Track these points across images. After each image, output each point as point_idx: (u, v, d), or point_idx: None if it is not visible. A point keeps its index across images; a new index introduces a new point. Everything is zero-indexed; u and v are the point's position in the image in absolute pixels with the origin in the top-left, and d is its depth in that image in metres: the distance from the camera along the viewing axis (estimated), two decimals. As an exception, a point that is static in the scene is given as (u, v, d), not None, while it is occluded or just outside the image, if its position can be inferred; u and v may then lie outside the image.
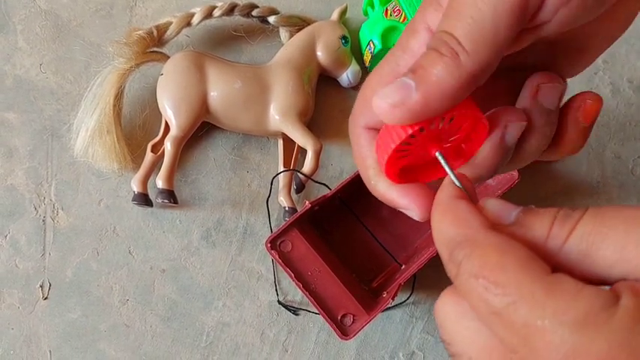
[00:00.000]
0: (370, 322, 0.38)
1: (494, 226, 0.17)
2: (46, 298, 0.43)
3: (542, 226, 0.16)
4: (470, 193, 0.19)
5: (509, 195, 0.42)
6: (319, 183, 0.44)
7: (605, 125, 0.47)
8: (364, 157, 0.22)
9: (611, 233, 0.15)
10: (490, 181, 0.41)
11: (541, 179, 0.46)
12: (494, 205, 0.18)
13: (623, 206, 0.15)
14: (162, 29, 0.44)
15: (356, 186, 0.42)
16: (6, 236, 0.44)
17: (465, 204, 0.18)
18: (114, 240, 0.44)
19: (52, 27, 0.47)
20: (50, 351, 0.43)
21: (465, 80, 0.17)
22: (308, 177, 0.43)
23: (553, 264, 0.16)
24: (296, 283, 0.39)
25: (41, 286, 0.44)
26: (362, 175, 0.22)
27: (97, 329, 0.43)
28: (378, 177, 0.22)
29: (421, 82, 0.17)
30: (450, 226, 0.18)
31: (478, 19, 0.17)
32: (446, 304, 0.19)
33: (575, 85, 0.47)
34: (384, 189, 0.21)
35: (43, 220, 0.44)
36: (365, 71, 0.47)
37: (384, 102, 0.18)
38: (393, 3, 0.44)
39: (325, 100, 0.47)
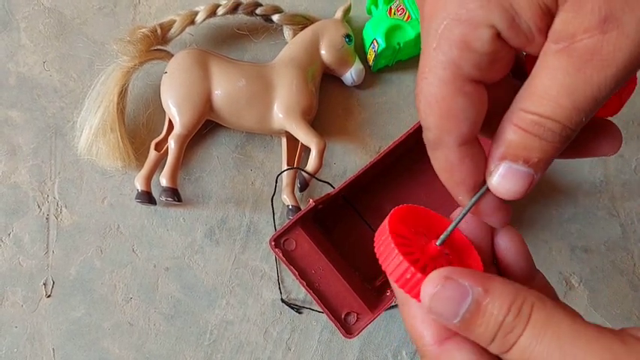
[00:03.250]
0: (374, 321, 0.38)
1: (445, 333, 0.20)
2: (49, 296, 0.44)
3: (487, 337, 0.18)
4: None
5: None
6: (323, 181, 0.44)
7: (609, 124, 0.47)
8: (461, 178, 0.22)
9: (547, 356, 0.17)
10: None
11: (544, 178, 0.46)
12: (442, 305, 0.19)
13: (562, 322, 0.17)
14: (166, 27, 0.44)
15: (360, 184, 0.42)
16: (9, 234, 0.44)
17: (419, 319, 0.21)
18: (117, 238, 0.44)
19: (55, 25, 0.47)
20: (54, 349, 0.43)
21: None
22: (312, 175, 0.43)
23: None
24: (299, 282, 0.39)
25: (44, 284, 0.44)
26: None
27: (101, 327, 0.43)
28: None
29: (539, 170, 0.19)
30: (411, 332, 0.21)
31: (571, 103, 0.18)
32: None
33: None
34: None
35: (47, 218, 0.44)
36: (368, 70, 0.47)
37: (515, 195, 0.20)
38: (397, 2, 0.44)
39: (329, 99, 0.47)
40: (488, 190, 0.20)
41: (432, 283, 0.19)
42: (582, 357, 0.16)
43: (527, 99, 0.19)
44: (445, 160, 0.21)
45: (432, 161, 0.21)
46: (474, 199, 0.21)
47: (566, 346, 0.17)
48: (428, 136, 0.21)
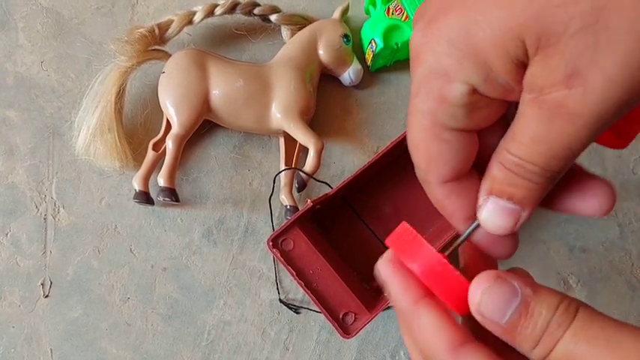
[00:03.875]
0: (371, 321, 0.38)
1: (459, 340, 0.19)
2: (47, 297, 0.43)
3: (532, 338, 0.18)
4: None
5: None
6: (321, 182, 0.44)
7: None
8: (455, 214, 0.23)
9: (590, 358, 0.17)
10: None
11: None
12: (491, 304, 0.19)
13: (606, 322, 0.18)
14: (163, 27, 0.43)
15: (358, 184, 0.42)
16: (7, 234, 0.44)
17: (432, 318, 0.21)
18: (115, 238, 0.44)
19: (53, 24, 0.47)
20: (51, 349, 0.43)
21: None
22: (310, 175, 0.43)
23: None
24: (297, 282, 0.39)
25: (42, 285, 0.44)
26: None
27: (98, 328, 0.43)
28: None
29: (526, 207, 0.20)
30: (416, 344, 0.21)
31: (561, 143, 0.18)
32: None
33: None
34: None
35: (44, 218, 0.44)
36: (366, 70, 0.47)
37: (502, 231, 0.20)
38: (395, 2, 0.44)
39: (327, 99, 0.47)
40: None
41: (483, 282, 0.19)
42: (631, 356, 0.17)
43: (510, 141, 0.19)
44: (432, 195, 0.22)
45: (429, 195, 0.23)
46: (466, 233, 0.22)
47: (614, 345, 0.17)
48: (417, 173, 0.22)
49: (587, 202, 0.22)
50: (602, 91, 0.17)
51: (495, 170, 0.20)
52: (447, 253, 0.21)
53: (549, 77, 0.17)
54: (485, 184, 0.20)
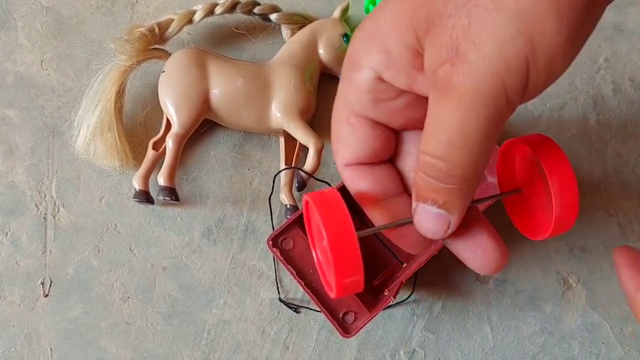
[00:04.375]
0: (371, 320, 0.38)
1: None
2: (46, 296, 0.43)
3: None
4: None
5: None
6: (321, 181, 0.44)
7: (607, 124, 0.47)
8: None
9: None
10: (492, 180, 0.41)
11: (542, 178, 0.46)
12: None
13: None
14: (163, 26, 0.43)
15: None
16: (7, 233, 0.44)
17: None
18: (115, 237, 0.44)
19: (53, 24, 0.47)
20: (51, 348, 0.43)
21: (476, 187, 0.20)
22: (310, 175, 0.43)
23: None
24: (297, 281, 0.39)
25: (42, 284, 0.44)
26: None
27: (98, 327, 0.43)
28: None
29: (453, 213, 0.20)
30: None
31: (464, 144, 0.18)
32: None
33: (577, 84, 0.47)
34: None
35: (44, 218, 0.44)
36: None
37: (435, 236, 0.21)
38: (395, 1, 0.44)
39: (327, 98, 0.47)
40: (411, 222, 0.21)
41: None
42: None
43: (421, 140, 0.19)
44: (341, 176, 0.23)
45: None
46: (392, 224, 0.22)
47: None
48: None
49: (475, 258, 0.22)
50: (481, 66, 0.17)
51: (416, 177, 0.20)
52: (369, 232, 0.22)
53: (437, 57, 0.18)
54: (413, 191, 0.21)
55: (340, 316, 0.39)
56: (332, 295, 0.21)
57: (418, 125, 0.21)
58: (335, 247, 0.19)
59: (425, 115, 0.20)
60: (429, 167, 0.19)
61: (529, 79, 0.17)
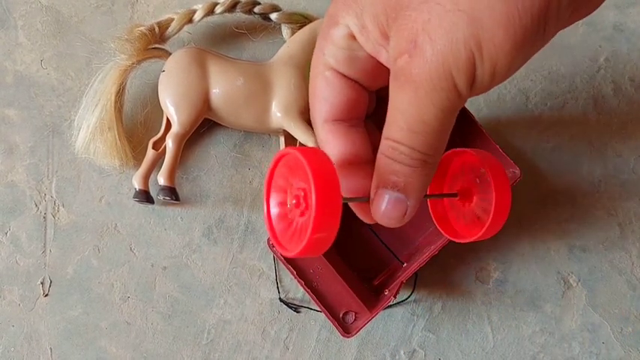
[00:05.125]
0: (372, 320, 0.38)
1: None
2: (46, 295, 0.43)
3: None
4: None
5: (512, 193, 0.42)
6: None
7: (607, 124, 0.47)
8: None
9: None
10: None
11: (542, 177, 0.46)
12: None
13: None
14: (163, 26, 0.43)
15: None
16: (6, 233, 0.44)
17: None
18: (115, 237, 0.44)
19: (53, 23, 0.47)
20: (51, 348, 0.43)
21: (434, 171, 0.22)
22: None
23: None
24: (298, 281, 0.39)
25: (42, 283, 0.44)
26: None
27: (98, 326, 0.43)
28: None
29: (411, 197, 0.21)
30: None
31: (426, 129, 0.20)
32: None
33: (577, 84, 0.47)
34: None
35: (44, 217, 0.44)
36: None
37: (393, 221, 0.22)
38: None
39: (327, 98, 0.47)
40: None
41: None
42: None
43: (385, 127, 0.21)
44: (316, 134, 0.24)
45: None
46: (356, 200, 0.23)
47: None
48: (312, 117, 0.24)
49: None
50: (434, 60, 0.18)
51: (378, 162, 0.21)
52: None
53: (398, 47, 0.19)
54: (374, 179, 0.22)
55: (340, 315, 0.39)
56: (289, 253, 0.21)
57: (368, 81, 0.23)
58: (320, 203, 0.19)
59: (375, 77, 0.22)
60: (391, 151, 0.20)
61: (475, 78, 0.19)
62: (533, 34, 0.18)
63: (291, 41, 0.45)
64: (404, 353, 0.43)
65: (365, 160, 0.24)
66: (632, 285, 0.45)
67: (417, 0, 0.18)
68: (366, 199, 0.23)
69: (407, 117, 0.19)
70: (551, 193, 0.46)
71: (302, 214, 0.21)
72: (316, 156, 0.20)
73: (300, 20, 0.46)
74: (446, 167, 0.26)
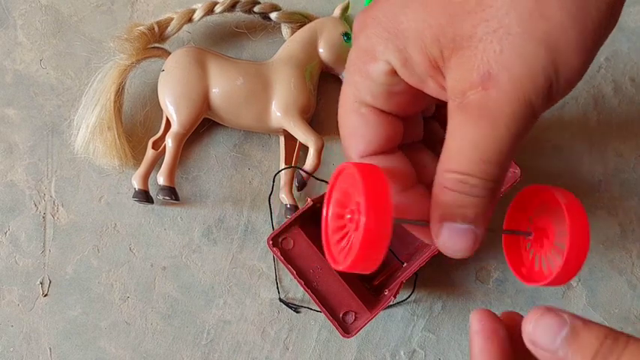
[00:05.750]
0: (372, 320, 0.38)
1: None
2: (46, 295, 0.43)
3: None
4: None
5: (512, 193, 0.42)
6: (321, 180, 0.44)
7: (607, 123, 0.47)
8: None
9: None
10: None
11: (542, 177, 0.46)
12: (541, 332, 0.19)
13: None
14: (163, 25, 0.43)
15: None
16: (6, 233, 0.44)
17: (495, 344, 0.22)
18: (114, 237, 0.44)
19: (52, 22, 0.47)
20: (50, 348, 0.43)
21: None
22: (310, 174, 0.43)
23: None
24: (297, 281, 0.38)
25: (41, 283, 0.43)
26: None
27: (98, 326, 0.43)
28: None
29: (479, 225, 0.21)
30: None
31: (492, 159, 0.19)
32: None
33: (578, 83, 0.47)
34: None
35: (43, 217, 0.44)
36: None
37: (463, 253, 0.21)
38: (396, 0, 0.44)
39: (327, 98, 0.47)
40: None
41: (534, 313, 0.20)
42: None
43: (446, 159, 0.20)
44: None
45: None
46: (414, 223, 0.23)
47: None
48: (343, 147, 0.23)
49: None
50: (513, 90, 0.18)
51: (441, 196, 0.20)
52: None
53: (467, 79, 0.19)
54: (435, 213, 0.21)
55: (340, 316, 0.39)
56: (339, 266, 0.21)
57: (418, 113, 0.23)
58: (370, 220, 0.19)
59: (424, 104, 0.21)
60: (460, 185, 0.20)
61: (551, 98, 0.19)
62: (596, 46, 0.19)
63: (291, 41, 0.45)
64: (404, 353, 0.43)
65: (411, 183, 0.23)
66: (632, 285, 0.44)
67: (481, 30, 0.18)
68: (419, 223, 0.22)
69: (482, 149, 0.19)
70: (552, 193, 0.46)
71: (356, 228, 0.21)
72: (372, 173, 0.20)
73: (300, 19, 0.46)
74: (526, 203, 0.25)
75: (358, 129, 0.22)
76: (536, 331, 0.19)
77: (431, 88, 0.21)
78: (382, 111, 0.22)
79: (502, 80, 0.18)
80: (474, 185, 0.19)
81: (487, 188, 0.20)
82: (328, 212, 0.23)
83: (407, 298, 0.43)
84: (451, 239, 0.21)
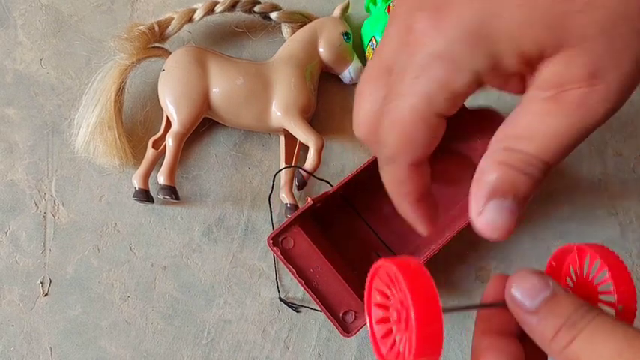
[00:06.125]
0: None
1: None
2: (46, 295, 0.43)
3: (553, 325, 0.20)
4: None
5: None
6: (321, 180, 0.44)
7: (607, 123, 0.46)
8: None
9: (603, 352, 0.19)
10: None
11: (543, 177, 0.46)
12: (524, 291, 0.21)
13: (617, 326, 0.19)
14: (163, 25, 0.43)
15: (358, 183, 0.42)
16: (6, 232, 0.44)
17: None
18: (115, 236, 0.44)
19: (52, 22, 0.47)
20: (51, 348, 0.43)
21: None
22: (310, 174, 0.43)
23: None
24: (298, 280, 0.38)
25: (42, 283, 0.43)
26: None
27: (98, 326, 0.43)
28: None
29: (523, 206, 0.21)
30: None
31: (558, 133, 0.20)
32: None
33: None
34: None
35: (44, 216, 0.44)
36: (367, 68, 0.47)
37: (503, 233, 0.21)
38: (396, -1, 0.44)
39: (327, 97, 0.47)
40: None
41: (522, 272, 0.21)
42: None
43: (513, 140, 0.20)
44: (394, 175, 0.22)
45: (382, 173, 0.23)
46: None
47: (625, 348, 0.18)
48: (382, 152, 0.22)
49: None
50: (620, 89, 0.19)
51: (495, 172, 0.20)
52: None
53: (572, 76, 0.19)
54: (483, 189, 0.21)
55: (340, 315, 0.39)
56: None
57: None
58: (420, 325, 0.18)
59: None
60: (522, 164, 0.20)
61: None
62: None
63: (291, 40, 0.45)
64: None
65: (428, 189, 0.23)
66: (632, 284, 0.45)
67: (592, 30, 0.18)
68: (466, 308, 0.22)
69: (563, 138, 0.20)
70: (552, 192, 0.46)
71: (405, 329, 0.20)
72: (414, 269, 0.19)
73: (300, 19, 0.46)
74: (561, 260, 0.25)
75: (423, 139, 0.21)
76: (518, 289, 0.21)
77: (511, 85, 0.21)
78: (445, 117, 0.21)
79: (611, 78, 0.19)
80: (537, 167, 0.20)
81: (545, 173, 0.20)
82: (372, 319, 0.22)
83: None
84: (497, 217, 0.21)
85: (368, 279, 0.22)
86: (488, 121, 0.24)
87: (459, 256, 0.44)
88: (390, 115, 0.21)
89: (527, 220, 0.45)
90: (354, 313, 0.38)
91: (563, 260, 0.25)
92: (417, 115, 0.21)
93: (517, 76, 0.20)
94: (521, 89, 0.21)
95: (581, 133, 0.20)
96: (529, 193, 0.21)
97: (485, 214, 0.21)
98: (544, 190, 0.46)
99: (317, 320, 0.43)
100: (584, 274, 0.24)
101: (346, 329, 0.38)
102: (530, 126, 0.20)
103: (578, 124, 0.20)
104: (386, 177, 0.23)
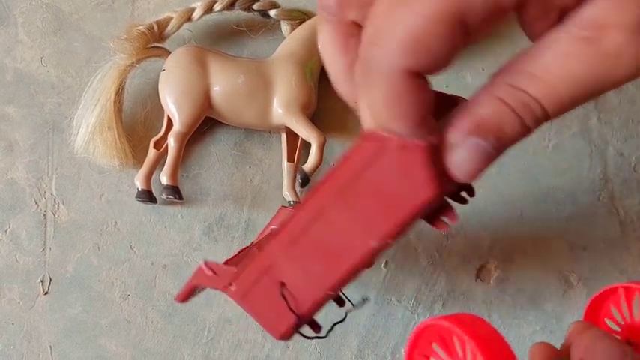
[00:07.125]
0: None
1: None
2: (46, 293, 0.43)
3: None
4: None
5: (512, 192, 0.42)
6: (321, 179, 0.44)
7: (608, 122, 0.46)
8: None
9: None
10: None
11: (542, 175, 0.46)
12: None
13: None
14: (162, 24, 0.43)
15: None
16: (6, 231, 0.44)
17: None
18: (115, 235, 0.44)
19: (53, 20, 0.47)
20: (51, 346, 0.43)
21: None
22: (312, 172, 0.43)
23: None
24: (298, 279, 0.38)
25: (42, 281, 0.43)
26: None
27: (98, 324, 0.43)
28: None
29: (500, 152, 0.19)
30: None
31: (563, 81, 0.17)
32: None
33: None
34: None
35: (44, 215, 0.44)
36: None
37: (474, 175, 0.19)
38: (397, -2, 0.44)
39: (327, 95, 0.46)
40: None
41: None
42: None
43: (520, 76, 0.18)
44: (391, 88, 0.18)
45: (368, 90, 0.18)
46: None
47: None
48: (377, 55, 0.17)
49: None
50: None
51: (488, 107, 0.18)
52: None
53: (618, 18, 0.17)
54: (466, 122, 0.18)
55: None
56: None
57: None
58: None
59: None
60: (519, 104, 0.18)
61: None
62: None
63: (290, 38, 0.45)
64: (404, 352, 0.43)
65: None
66: (632, 284, 0.45)
67: None
68: None
69: (579, 87, 0.17)
70: (553, 192, 0.46)
71: None
72: (480, 327, 0.17)
73: (299, 17, 0.46)
74: (600, 303, 0.24)
75: (435, 42, 0.17)
76: None
77: (542, 22, 0.18)
78: (469, 37, 0.18)
79: None
80: (533, 112, 0.18)
81: (539, 120, 0.18)
82: None
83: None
84: (471, 156, 0.18)
85: (408, 344, 0.19)
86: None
87: (459, 255, 0.44)
88: (400, 10, 0.17)
89: (527, 220, 0.45)
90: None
91: (603, 301, 0.23)
92: (441, 16, 0.17)
93: (558, 10, 0.18)
94: (545, 24, 0.18)
95: (597, 87, 0.17)
96: (513, 140, 0.19)
97: (459, 150, 0.19)
98: (545, 188, 0.46)
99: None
100: (634, 314, 0.21)
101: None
102: (547, 66, 0.18)
103: (603, 76, 0.17)
104: (376, 94, 0.18)
